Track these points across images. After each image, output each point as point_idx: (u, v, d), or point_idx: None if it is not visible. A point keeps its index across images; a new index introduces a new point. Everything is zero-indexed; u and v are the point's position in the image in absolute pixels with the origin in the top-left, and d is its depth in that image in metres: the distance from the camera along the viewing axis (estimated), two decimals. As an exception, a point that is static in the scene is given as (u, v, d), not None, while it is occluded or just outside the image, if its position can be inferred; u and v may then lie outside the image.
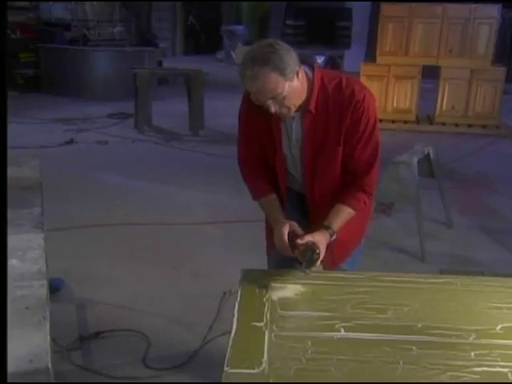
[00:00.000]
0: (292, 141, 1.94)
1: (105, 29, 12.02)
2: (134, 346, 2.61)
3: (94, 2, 13.04)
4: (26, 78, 10.05)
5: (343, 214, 1.92)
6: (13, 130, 6.44)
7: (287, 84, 1.72)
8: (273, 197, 2.00)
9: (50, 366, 1.27)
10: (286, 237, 1.83)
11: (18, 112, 7.68)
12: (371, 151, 1.90)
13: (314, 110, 1.85)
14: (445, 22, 7.30)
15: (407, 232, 4.04)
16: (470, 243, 3.95)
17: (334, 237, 1.87)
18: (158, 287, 3.19)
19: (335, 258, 2.06)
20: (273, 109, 1.76)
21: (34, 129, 7.03)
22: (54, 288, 2.98)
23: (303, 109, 1.85)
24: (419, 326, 1.57)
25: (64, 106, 8.61)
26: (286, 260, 1.89)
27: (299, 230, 1.86)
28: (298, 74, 1.75)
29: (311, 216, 2.07)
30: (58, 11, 12.15)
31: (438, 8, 7.35)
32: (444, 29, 7.32)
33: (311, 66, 1.87)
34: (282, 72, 1.69)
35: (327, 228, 1.86)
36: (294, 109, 1.81)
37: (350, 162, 1.92)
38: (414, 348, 1.47)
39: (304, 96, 1.83)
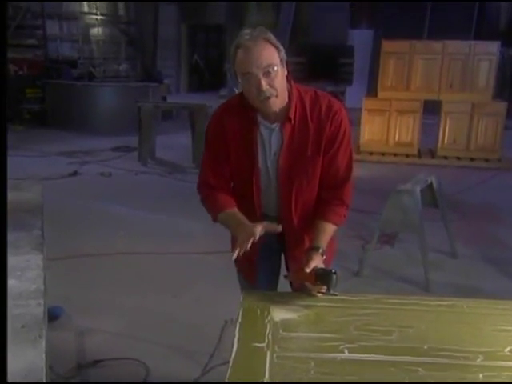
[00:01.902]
0: (270, 154, 1.89)
1: (110, 66, 12.28)
2: (132, 374, 2.55)
3: (101, 41, 13.38)
4: (32, 113, 10.21)
5: (328, 231, 1.89)
6: (17, 162, 6.52)
7: (279, 65, 1.74)
8: (236, 210, 1.92)
9: (44, 381, 1.24)
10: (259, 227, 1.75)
11: (22, 145, 7.78)
12: (348, 160, 1.92)
13: (293, 119, 1.84)
14: (445, 58, 7.43)
15: (411, 262, 3.99)
16: (474, 273, 3.90)
17: (325, 256, 1.84)
18: (158, 315, 3.14)
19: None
20: (263, 86, 1.72)
21: (38, 161, 7.08)
22: (53, 316, 2.94)
23: (283, 118, 1.84)
24: (425, 347, 1.53)
25: (69, 139, 8.69)
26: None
27: (274, 226, 1.79)
28: (285, 70, 1.77)
29: (287, 237, 2.00)
30: (66, 49, 12.44)
31: (438, 44, 7.48)
32: (444, 64, 7.44)
33: (288, 79, 1.86)
34: (278, 50, 1.74)
35: (318, 249, 1.83)
36: (279, 97, 1.77)
37: (328, 173, 1.90)
38: (420, 369, 1.43)
39: (285, 100, 1.83)
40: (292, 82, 1.86)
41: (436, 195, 4.02)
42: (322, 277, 1.73)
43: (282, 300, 1.78)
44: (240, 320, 1.65)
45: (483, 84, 7.45)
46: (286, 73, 1.79)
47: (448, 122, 7.58)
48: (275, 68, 1.72)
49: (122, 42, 13.82)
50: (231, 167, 1.94)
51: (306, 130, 1.85)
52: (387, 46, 7.61)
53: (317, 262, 1.79)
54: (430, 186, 3.97)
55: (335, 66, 10.72)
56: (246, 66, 1.74)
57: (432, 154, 7.82)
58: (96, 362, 2.63)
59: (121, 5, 14.32)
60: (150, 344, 2.84)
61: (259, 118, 1.86)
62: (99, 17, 13.32)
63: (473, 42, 7.56)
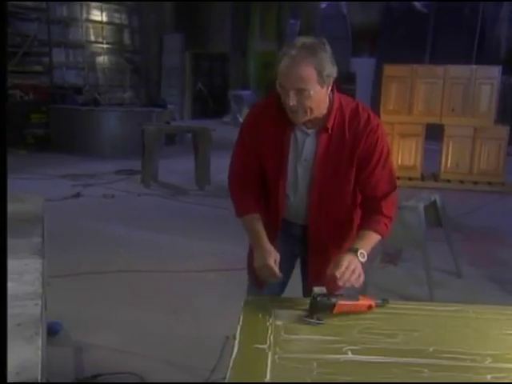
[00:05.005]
0: (300, 158, 1.88)
1: (115, 93, 12.41)
2: (131, 388, 2.50)
3: (106, 69, 13.59)
4: (37, 138, 10.25)
5: (367, 237, 1.85)
6: (20, 185, 6.51)
7: (318, 87, 1.70)
8: (258, 216, 1.93)
9: (39, 377, 1.20)
10: (274, 266, 1.80)
11: (26, 169, 7.80)
12: (388, 177, 1.89)
13: (331, 129, 1.83)
14: (447, 82, 7.46)
15: (415, 281, 3.95)
16: (479, 293, 3.84)
17: (364, 259, 1.79)
18: (158, 331, 3.09)
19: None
20: (291, 102, 1.71)
21: (41, 184, 7.06)
22: (52, 331, 2.90)
23: (320, 126, 1.83)
24: (431, 349, 1.49)
25: (72, 163, 8.72)
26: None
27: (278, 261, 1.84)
28: (328, 86, 1.75)
29: (311, 243, 1.98)
30: (71, 77, 12.62)
31: (440, 69, 7.54)
32: (446, 88, 7.47)
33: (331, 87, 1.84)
34: (320, 72, 1.68)
35: (354, 251, 1.78)
36: (309, 115, 1.77)
37: (366, 190, 1.90)
38: (425, 370, 1.39)
39: (323, 111, 1.81)
40: (335, 93, 1.84)
41: (440, 214, 3.99)
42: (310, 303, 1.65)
43: (285, 304, 1.75)
44: (241, 323, 1.62)
45: (485, 108, 7.47)
46: (329, 89, 1.76)
47: (451, 145, 7.59)
48: (310, 91, 1.70)
49: (127, 70, 14.03)
50: (261, 166, 1.93)
51: (343, 141, 1.84)
52: (389, 70, 7.67)
53: (347, 260, 1.73)
54: (434, 204, 3.94)
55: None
56: (281, 79, 1.73)
57: (435, 177, 7.80)
58: (94, 377, 2.57)
59: (126, 34, 14.61)
60: (150, 359, 2.78)
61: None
62: (105, 45, 13.57)
63: (474, 67, 7.62)
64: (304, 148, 1.87)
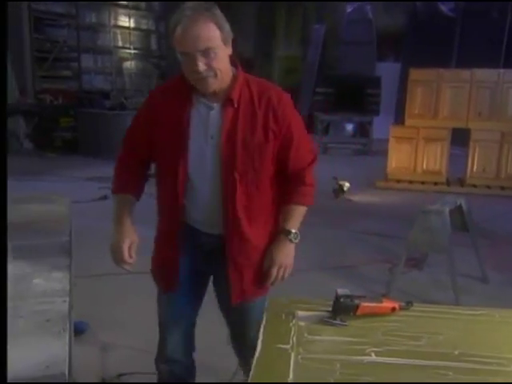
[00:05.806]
0: (207, 136, 1.75)
1: (142, 98, 12.54)
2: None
3: (133, 74, 13.78)
4: (65, 141, 10.44)
5: (298, 214, 1.86)
6: (47, 187, 6.65)
7: (222, 45, 1.65)
8: (132, 199, 1.94)
9: (66, 372, 1.23)
10: (126, 251, 1.91)
11: (54, 171, 7.94)
12: (308, 147, 1.88)
13: (236, 102, 1.73)
14: (473, 86, 7.37)
15: (440, 286, 3.90)
16: (507, 299, 3.77)
17: (297, 239, 1.83)
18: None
19: (246, 288, 1.91)
20: (200, 67, 1.63)
21: (68, 186, 7.20)
22: (78, 331, 2.95)
23: (224, 99, 1.74)
24: (456, 353, 1.47)
25: (100, 166, 8.83)
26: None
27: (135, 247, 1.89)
28: (229, 47, 1.69)
29: (229, 239, 1.82)
30: (99, 82, 12.84)
31: (466, 72, 7.45)
32: (472, 92, 7.38)
33: (233, 61, 1.78)
34: (220, 27, 1.64)
35: (286, 233, 1.81)
36: (219, 78, 1.68)
37: (291, 165, 1.84)
38: (450, 373, 1.37)
39: (227, 80, 1.73)
40: (238, 68, 1.78)
41: (466, 218, 3.93)
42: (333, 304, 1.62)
43: (308, 306, 1.74)
44: (264, 323, 1.63)
45: (513, 112, 7.36)
46: (229, 52, 1.71)
47: (477, 150, 7.48)
48: (215, 49, 1.64)
49: (154, 74, 14.22)
50: (160, 151, 1.83)
51: (254, 116, 1.74)
52: (415, 74, 7.60)
53: (275, 254, 1.83)
54: (460, 208, 3.89)
55: (362, 97, 10.73)
56: (183, 46, 1.64)
57: (461, 182, 7.70)
58: (120, 376, 2.61)
59: (153, 39, 14.81)
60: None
61: (197, 97, 1.75)
62: (132, 51, 13.78)
63: (502, 70, 7.51)
64: (209, 124, 1.75)
